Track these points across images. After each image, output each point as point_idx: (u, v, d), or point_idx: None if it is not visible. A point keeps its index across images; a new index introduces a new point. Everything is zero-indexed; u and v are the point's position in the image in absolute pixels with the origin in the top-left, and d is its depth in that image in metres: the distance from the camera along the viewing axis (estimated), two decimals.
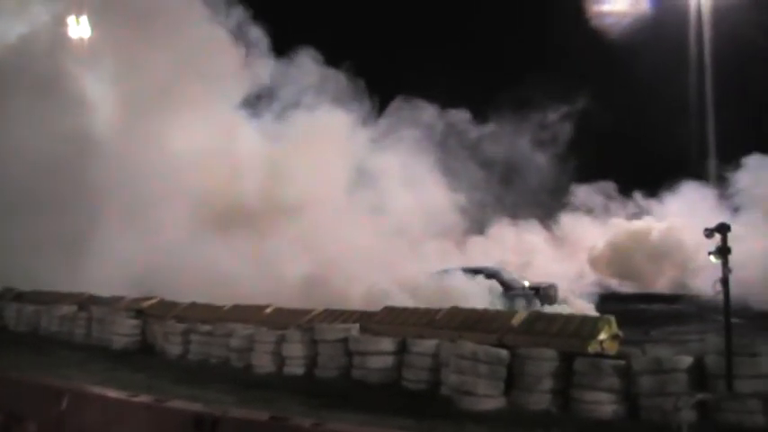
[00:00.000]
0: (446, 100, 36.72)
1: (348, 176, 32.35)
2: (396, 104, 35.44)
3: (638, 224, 41.03)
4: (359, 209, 30.61)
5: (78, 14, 38.96)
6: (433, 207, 31.64)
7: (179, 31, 32.48)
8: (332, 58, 34.87)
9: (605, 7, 42.40)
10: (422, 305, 19.59)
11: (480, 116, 38.02)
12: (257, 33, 34.27)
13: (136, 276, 25.51)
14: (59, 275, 26.92)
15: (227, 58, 33.27)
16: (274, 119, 34.90)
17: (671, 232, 37.96)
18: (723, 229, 13.00)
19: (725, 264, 12.94)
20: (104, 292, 25.19)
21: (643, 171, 39.85)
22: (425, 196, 32.15)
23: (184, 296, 23.18)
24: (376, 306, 19.81)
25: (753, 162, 35.05)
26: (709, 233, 13.05)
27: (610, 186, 42.43)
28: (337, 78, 34.70)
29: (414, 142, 34.13)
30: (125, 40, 33.47)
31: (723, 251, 12.97)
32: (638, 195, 42.51)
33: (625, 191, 42.45)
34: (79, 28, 39.19)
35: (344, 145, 32.83)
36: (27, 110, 31.20)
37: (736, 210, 34.29)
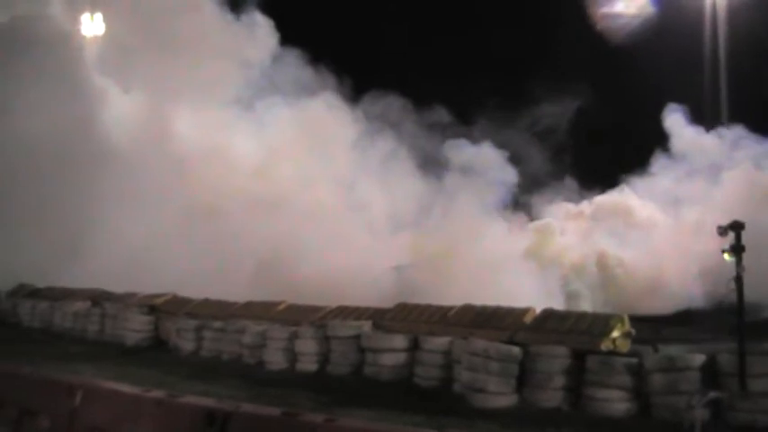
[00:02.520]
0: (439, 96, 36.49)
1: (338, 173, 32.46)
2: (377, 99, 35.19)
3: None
4: (343, 203, 30.60)
5: (92, 12, 39.25)
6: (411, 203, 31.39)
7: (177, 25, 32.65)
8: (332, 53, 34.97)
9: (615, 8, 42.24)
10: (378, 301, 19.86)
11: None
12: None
13: (134, 271, 25.67)
14: (71, 271, 27.00)
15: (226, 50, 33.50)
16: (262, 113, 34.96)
17: None
18: (737, 226, 12.95)
19: (738, 262, 12.89)
20: (110, 287, 25.33)
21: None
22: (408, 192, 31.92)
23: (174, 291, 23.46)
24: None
25: None
26: (722, 231, 13.00)
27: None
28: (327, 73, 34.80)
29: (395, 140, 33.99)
30: (127, 35, 33.78)
31: (737, 249, 12.92)
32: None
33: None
34: (93, 25, 39.43)
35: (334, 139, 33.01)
36: (37, 106, 31.29)
37: None
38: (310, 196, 30.14)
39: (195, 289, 23.42)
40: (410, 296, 19.66)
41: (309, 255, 26.06)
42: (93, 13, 39.36)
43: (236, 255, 26.32)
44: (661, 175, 36.73)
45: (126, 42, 33.88)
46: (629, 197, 37.54)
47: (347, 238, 27.78)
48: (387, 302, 19.72)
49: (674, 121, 36.98)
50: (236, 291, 22.79)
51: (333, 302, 20.32)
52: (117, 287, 25.24)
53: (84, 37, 38.60)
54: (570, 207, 39.02)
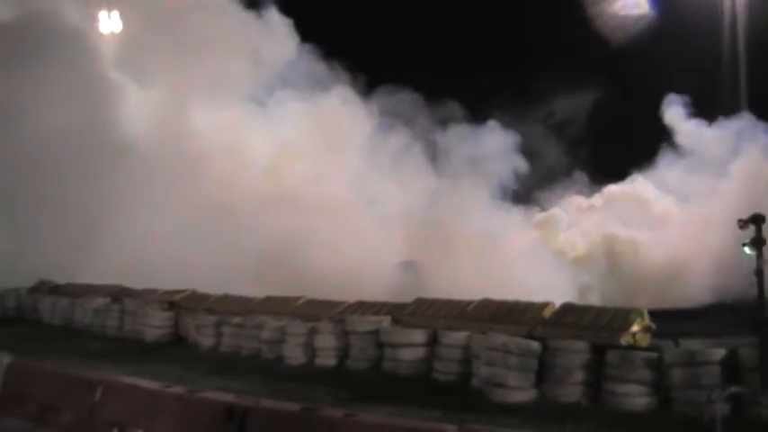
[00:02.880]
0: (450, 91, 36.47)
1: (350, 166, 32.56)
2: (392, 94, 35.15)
3: None
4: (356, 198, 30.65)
5: (110, 9, 39.41)
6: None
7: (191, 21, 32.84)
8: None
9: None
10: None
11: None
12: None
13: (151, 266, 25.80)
14: (89, 267, 27.11)
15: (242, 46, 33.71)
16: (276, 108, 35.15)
17: None
18: (758, 219, 12.86)
19: (759, 255, 12.80)
20: (127, 282, 25.43)
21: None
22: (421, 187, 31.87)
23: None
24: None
25: None
26: (743, 224, 12.91)
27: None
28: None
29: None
30: (144, 32, 33.96)
31: (758, 242, 12.83)
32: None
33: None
34: (110, 22, 39.59)
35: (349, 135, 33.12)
36: (55, 103, 31.41)
37: None
38: (323, 191, 30.23)
39: (212, 285, 23.52)
40: (421, 290, 19.65)
41: (322, 249, 26.18)
42: (110, 10, 39.50)
43: (250, 250, 26.45)
44: (669, 168, 36.62)
45: (143, 40, 34.02)
46: (642, 186, 37.35)
47: (359, 232, 27.83)
48: (397, 297, 19.82)
49: (675, 114, 36.97)
50: (249, 286, 22.91)
51: (346, 296, 20.42)
52: (134, 283, 25.34)
53: (101, 34, 38.71)
54: (581, 200, 38.92)
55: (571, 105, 40.61)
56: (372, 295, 20.61)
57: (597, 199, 39.00)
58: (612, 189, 38.78)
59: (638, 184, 37.99)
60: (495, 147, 32.34)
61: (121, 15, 39.29)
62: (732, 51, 39.85)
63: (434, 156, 33.26)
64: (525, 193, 35.04)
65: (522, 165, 33.06)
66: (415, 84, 34.93)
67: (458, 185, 30.13)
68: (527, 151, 33.93)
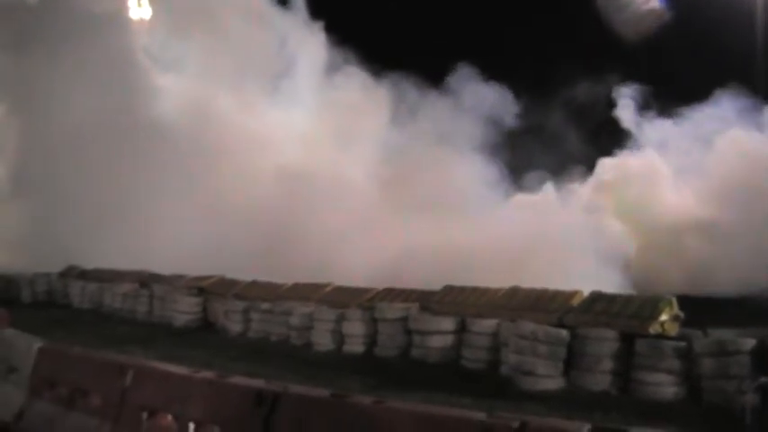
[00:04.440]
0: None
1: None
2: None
3: None
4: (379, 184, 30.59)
5: None
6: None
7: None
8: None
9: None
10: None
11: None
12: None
13: (194, 253, 25.89)
14: (121, 252, 27.28)
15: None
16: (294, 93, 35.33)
17: None
18: None
19: None
20: (166, 269, 25.54)
21: None
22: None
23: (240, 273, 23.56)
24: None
25: None
26: None
27: None
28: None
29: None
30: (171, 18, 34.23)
31: None
32: None
33: None
34: (140, 9, 39.83)
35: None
36: (80, 89, 31.65)
37: None
38: (339, 175, 30.27)
39: (234, 270, 23.68)
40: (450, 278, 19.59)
41: (338, 236, 26.27)
42: None
43: (265, 235, 26.57)
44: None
45: (170, 26, 34.32)
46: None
47: (376, 220, 27.79)
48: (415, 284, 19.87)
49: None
50: (264, 271, 23.02)
51: (373, 283, 20.46)
52: (161, 268, 25.52)
53: (131, 20, 38.94)
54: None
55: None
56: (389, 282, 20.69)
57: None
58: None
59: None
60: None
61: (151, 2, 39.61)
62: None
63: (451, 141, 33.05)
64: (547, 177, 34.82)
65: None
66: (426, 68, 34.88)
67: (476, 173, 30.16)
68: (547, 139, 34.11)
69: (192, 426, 8.20)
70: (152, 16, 39.45)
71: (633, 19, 40.66)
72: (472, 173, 30.11)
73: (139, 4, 39.89)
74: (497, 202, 29.88)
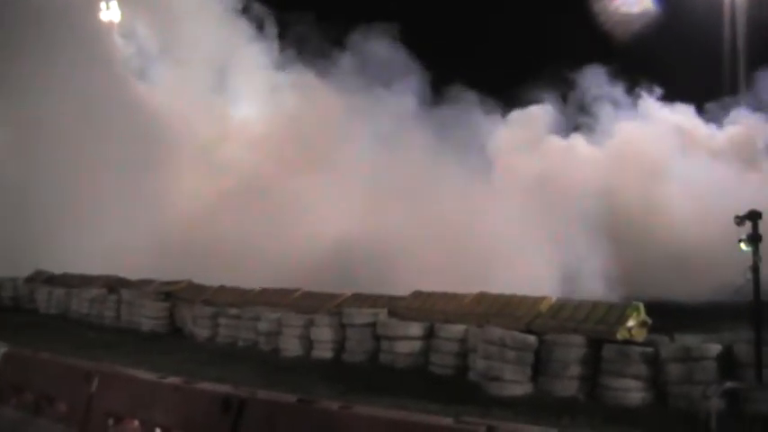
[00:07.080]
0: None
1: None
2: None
3: None
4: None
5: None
6: None
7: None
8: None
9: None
10: None
11: None
12: None
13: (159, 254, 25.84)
14: (89, 257, 27.11)
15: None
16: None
17: None
18: (754, 216, 12.87)
19: (755, 251, 12.81)
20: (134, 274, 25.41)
21: None
22: None
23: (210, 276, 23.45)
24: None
25: None
26: (739, 221, 12.90)
27: None
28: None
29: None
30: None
31: (754, 239, 12.84)
32: None
33: None
34: (109, 12, 39.72)
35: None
36: (51, 91, 31.52)
37: None
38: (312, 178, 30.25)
39: (203, 276, 23.61)
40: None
41: (316, 237, 26.27)
42: (108, 0, 39.65)
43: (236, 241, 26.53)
44: None
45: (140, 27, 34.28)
46: None
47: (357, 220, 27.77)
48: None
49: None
50: (239, 277, 22.93)
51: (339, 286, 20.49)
52: (130, 273, 25.38)
53: (101, 22, 38.84)
54: None
55: None
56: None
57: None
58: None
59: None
60: None
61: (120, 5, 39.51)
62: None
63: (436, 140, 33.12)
64: None
65: None
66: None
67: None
68: None
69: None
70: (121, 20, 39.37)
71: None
72: None
73: (107, 7, 39.70)
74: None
